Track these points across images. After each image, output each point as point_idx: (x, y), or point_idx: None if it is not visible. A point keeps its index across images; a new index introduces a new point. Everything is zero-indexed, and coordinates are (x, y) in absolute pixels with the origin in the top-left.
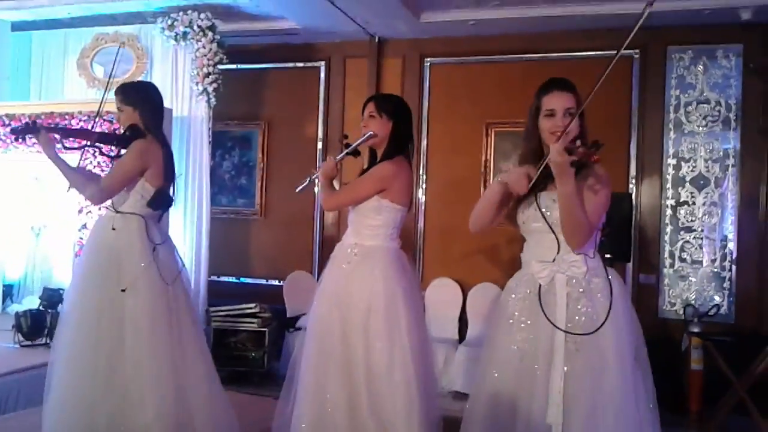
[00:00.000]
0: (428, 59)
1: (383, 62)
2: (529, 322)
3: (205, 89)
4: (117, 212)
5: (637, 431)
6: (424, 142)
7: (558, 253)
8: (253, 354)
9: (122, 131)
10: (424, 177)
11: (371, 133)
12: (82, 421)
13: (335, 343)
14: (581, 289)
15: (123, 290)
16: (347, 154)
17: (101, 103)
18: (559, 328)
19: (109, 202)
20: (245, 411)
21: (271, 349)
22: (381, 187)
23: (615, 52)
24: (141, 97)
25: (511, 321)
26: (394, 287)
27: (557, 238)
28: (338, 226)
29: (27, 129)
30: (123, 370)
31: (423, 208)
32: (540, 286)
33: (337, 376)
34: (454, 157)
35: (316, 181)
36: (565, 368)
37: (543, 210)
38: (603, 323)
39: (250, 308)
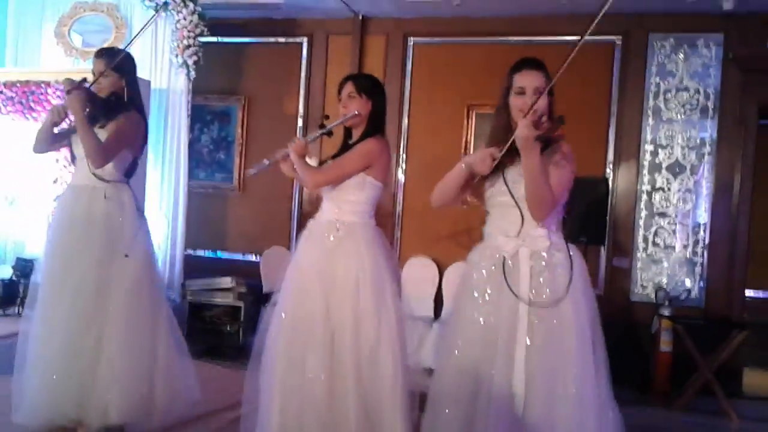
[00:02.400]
0: (412, 38)
1: (366, 40)
2: (493, 295)
3: (184, 62)
4: (107, 181)
5: (596, 401)
6: (405, 122)
7: (522, 227)
8: (229, 328)
9: (106, 98)
10: (404, 156)
11: (356, 112)
12: (54, 393)
13: (316, 319)
14: (544, 263)
15: (126, 256)
16: (323, 134)
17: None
18: (522, 300)
19: (89, 171)
20: (218, 384)
21: (247, 324)
22: (367, 164)
23: (591, 37)
24: (130, 67)
25: (475, 294)
26: (380, 264)
27: (522, 213)
28: (317, 203)
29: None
30: (102, 340)
31: (402, 187)
32: (504, 259)
33: (317, 351)
34: (435, 138)
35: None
36: (528, 340)
37: (509, 184)
38: (564, 296)
39: (226, 283)
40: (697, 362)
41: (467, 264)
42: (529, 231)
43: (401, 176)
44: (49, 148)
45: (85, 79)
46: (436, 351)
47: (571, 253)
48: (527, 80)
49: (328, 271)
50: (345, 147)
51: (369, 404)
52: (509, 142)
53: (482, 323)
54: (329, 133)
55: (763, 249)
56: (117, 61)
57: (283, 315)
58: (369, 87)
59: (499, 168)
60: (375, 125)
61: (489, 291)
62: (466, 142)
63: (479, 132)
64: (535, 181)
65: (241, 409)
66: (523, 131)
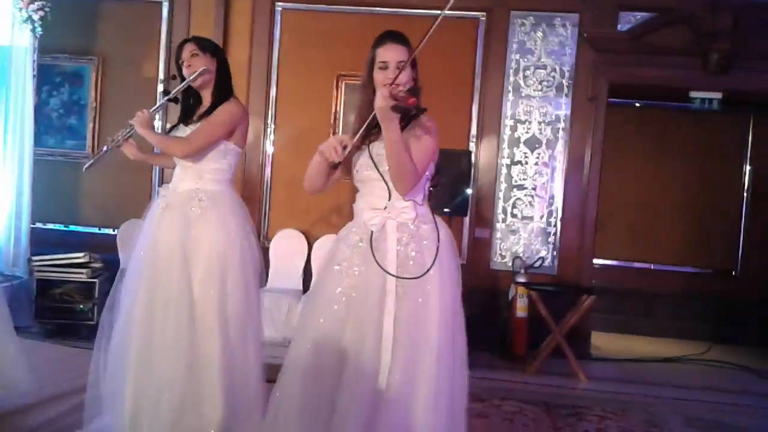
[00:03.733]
0: (279, 4)
1: (232, 3)
2: (359, 269)
3: (29, 17)
4: None
5: (451, 374)
6: (273, 91)
7: (389, 200)
8: (81, 306)
9: None
10: (272, 127)
11: (204, 68)
12: None
13: (178, 291)
14: (410, 235)
15: None
16: (168, 100)
17: None
18: (390, 273)
19: None
20: (67, 364)
21: (102, 301)
22: (232, 129)
23: (456, 12)
24: None
25: (338, 267)
26: (246, 233)
27: (388, 186)
28: None
29: None
30: None
31: (270, 158)
32: (372, 233)
33: (179, 326)
34: (304, 108)
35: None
36: (391, 309)
37: (374, 159)
38: (430, 268)
39: (79, 257)
40: (550, 326)
41: (335, 240)
42: (395, 203)
43: (269, 147)
44: None
45: None
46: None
47: (437, 225)
48: (390, 54)
49: (191, 242)
50: (189, 111)
51: (233, 380)
52: (369, 118)
53: (344, 299)
54: (175, 100)
55: (609, 221)
56: None
57: (139, 291)
58: (211, 46)
59: (364, 142)
60: (226, 86)
61: (355, 265)
62: (336, 112)
63: (348, 103)
64: (396, 153)
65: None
66: (379, 101)
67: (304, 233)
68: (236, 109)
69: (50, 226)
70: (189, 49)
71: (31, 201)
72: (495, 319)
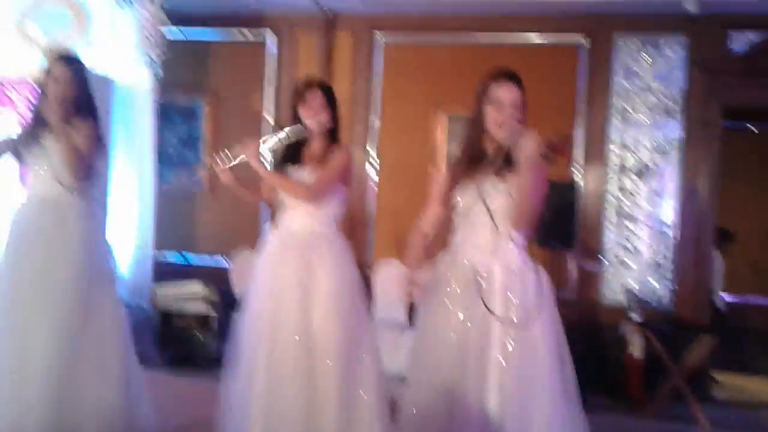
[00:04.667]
0: (380, 37)
1: (334, 37)
2: (466, 311)
3: (150, 57)
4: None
5: (566, 420)
6: (375, 122)
7: (495, 240)
8: (201, 337)
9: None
10: (375, 156)
11: (326, 123)
12: None
13: (299, 330)
14: (515, 280)
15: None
16: (288, 143)
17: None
18: (499, 319)
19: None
20: (189, 397)
21: (220, 332)
22: (346, 175)
23: (556, 39)
24: (88, 74)
25: (448, 309)
26: (356, 275)
27: (496, 226)
28: None
29: None
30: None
31: (374, 189)
32: (478, 274)
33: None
34: (406, 138)
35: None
36: (501, 358)
37: (483, 195)
38: (536, 314)
39: (197, 289)
40: (667, 367)
41: (436, 274)
42: (501, 245)
43: (374, 177)
44: None
45: None
46: (408, 362)
47: (538, 269)
48: (506, 93)
49: (313, 283)
50: (295, 151)
51: (350, 414)
52: (499, 155)
53: (455, 340)
54: (292, 141)
55: (727, 253)
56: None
57: (261, 332)
58: (334, 98)
59: (471, 179)
60: (338, 133)
61: (462, 306)
62: (436, 143)
63: (450, 132)
64: (530, 196)
65: (216, 425)
66: (530, 147)
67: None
68: (349, 157)
69: (168, 254)
70: (319, 98)
71: (153, 233)
72: (607, 357)
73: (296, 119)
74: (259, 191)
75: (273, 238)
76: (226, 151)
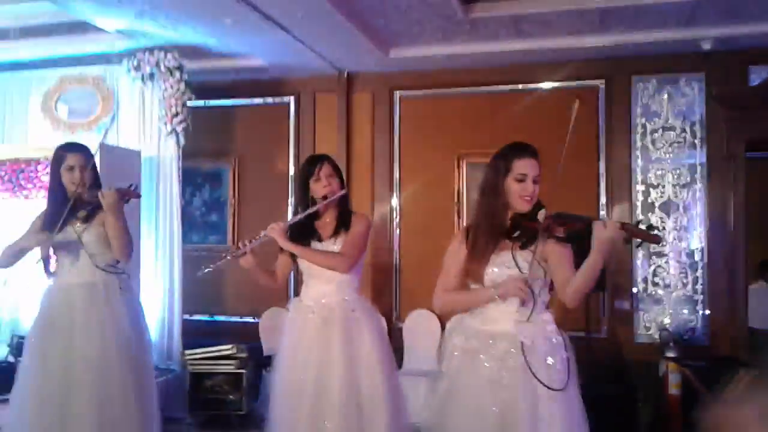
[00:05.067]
0: (398, 92)
1: (353, 96)
2: (508, 381)
3: (173, 129)
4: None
5: None
6: (396, 175)
7: (531, 312)
8: (231, 396)
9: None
10: (399, 209)
11: (344, 191)
12: None
13: (340, 395)
14: (551, 346)
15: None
16: (308, 215)
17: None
18: (546, 386)
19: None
20: None
21: (249, 391)
22: (367, 239)
23: (574, 83)
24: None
25: (489, 381)
26: (387, 336)
27: (534, 297)
28: None
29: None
30: None
31: (399, 240)
32: (522, 344)
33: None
34: (428, 189)
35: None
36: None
37: (520, 266)
38: (571, 377)
39: (227, 349)
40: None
41: (465, 345)
42: (539, 315)
43: (396, 229)
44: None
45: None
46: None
47: (561, 332)
48: (529, 168)
49: (354, 350)
50: (310, 226)
51: None
52: (536, 236)
53: (498, 412)
54: (311, 214)
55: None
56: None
57: (301, 386)
58: (339, 168)
59: (497, 251)
60: (347, 202)
61: (505, 377)
62: (458, 191)
63: (471, 180)
64: (594, 277)
65: None
66: (612, 235)
67: (435, 313)
68: (369, 224)
69: (197, 317)
70: (327, 169)
71: (181, 297)
72: (644, 397)
73: (305, 195)
74: (274, 275)
75: (303, 313)
76: (245, 240)
